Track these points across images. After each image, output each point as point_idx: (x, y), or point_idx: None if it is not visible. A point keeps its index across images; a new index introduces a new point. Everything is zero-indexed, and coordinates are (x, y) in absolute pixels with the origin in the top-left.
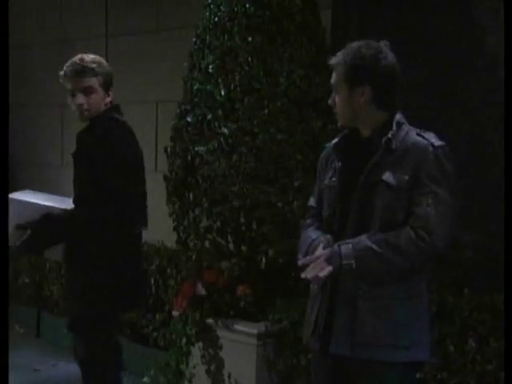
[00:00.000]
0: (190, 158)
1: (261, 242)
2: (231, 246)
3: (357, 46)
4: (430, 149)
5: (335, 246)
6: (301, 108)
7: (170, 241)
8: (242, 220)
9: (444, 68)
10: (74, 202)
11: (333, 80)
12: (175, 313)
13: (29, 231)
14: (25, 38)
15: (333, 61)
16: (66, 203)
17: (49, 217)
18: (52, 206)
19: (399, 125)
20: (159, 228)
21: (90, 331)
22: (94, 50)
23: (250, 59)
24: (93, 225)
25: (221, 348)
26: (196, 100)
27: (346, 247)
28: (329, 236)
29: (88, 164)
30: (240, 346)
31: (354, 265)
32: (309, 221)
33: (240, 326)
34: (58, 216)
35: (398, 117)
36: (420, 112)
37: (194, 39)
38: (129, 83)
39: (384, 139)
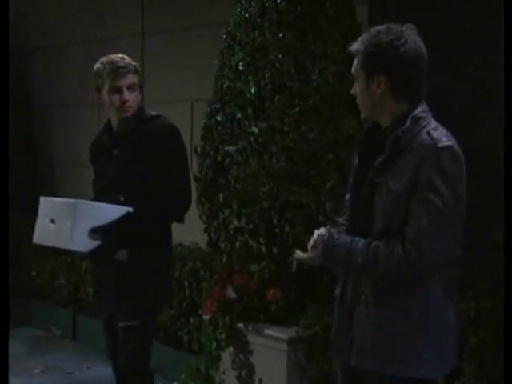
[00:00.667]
0: (220, 157)
1: (292, 245)
2: (263, 248)
3: (375, 32)
4: (433, 150)
5: (334, 241)
6: (333, 106)
7: (204, 242)
8: (275, 221)
9: (483, 65)
10: (135, 200)
11: (352, 69)
12: (205, 317)
13: (103, 234)
14: (62, 38)
15: (352, 48)
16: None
17: (129, 217)
18: (123, 207)
19: (415, 119)
20: (193, 229)
21: (144, 331)
22: (130, 49)
23: (280, 56)
24: (164, 222)
25: (251, 353)
26: (226, 98)
27: (340, 249)
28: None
29: (159, 159)
30: (270, 351)
31: (342, 272)
32: (341, 220)
33: (270, 331)
34: (133, 217)
35: (419, 109)
36: (458, 109)
37: (224, 36)
38: (164, 82)
39: (391, 137)
